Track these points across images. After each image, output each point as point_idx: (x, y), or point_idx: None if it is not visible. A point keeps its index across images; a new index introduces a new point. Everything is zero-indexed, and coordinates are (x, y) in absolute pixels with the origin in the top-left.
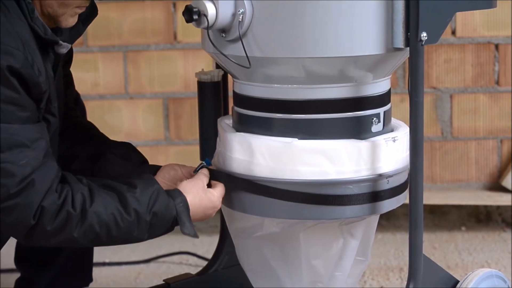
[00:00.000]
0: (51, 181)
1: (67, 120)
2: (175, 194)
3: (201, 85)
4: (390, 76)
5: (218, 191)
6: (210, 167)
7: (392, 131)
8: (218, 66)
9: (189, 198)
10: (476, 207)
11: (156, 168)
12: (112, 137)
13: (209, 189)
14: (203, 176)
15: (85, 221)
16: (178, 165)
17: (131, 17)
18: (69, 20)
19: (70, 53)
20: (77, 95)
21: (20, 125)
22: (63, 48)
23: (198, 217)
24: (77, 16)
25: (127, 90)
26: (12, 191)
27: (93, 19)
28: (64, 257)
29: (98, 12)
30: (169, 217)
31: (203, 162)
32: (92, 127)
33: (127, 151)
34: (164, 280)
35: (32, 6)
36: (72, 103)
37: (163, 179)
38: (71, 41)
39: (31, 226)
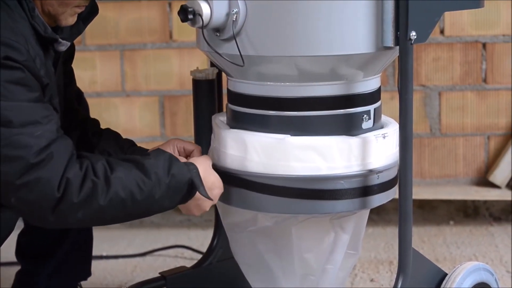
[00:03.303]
0: (70, 153)
1: (67, 115)
2: (188, 162)
3: (196, 83)
4: (380, 74)
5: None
6: None
7: (382, 127)
8: (212, 65)
9: (200, 168)
10: (464, 202)
11: (145, 150)
12: None
13: None
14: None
15: (110, 188)
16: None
17: (127, 17)
18: (69, 19)
19: (71, 50)
20: (80, 93)
21: (31, 103)
22: (63, 46)
23: (207, 188)
24: (76, 15)
25: (124, 88)
26: (31, 161)
27: (93, 18)
28: (64, 251)
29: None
30: (186, 179)
31: None
32: (86, 123)
33: (111, 147)
34: (160, 273)
35: (33, 5)
36: (73, 99)
37: None
38: (71, 39)
39: (56, 199)
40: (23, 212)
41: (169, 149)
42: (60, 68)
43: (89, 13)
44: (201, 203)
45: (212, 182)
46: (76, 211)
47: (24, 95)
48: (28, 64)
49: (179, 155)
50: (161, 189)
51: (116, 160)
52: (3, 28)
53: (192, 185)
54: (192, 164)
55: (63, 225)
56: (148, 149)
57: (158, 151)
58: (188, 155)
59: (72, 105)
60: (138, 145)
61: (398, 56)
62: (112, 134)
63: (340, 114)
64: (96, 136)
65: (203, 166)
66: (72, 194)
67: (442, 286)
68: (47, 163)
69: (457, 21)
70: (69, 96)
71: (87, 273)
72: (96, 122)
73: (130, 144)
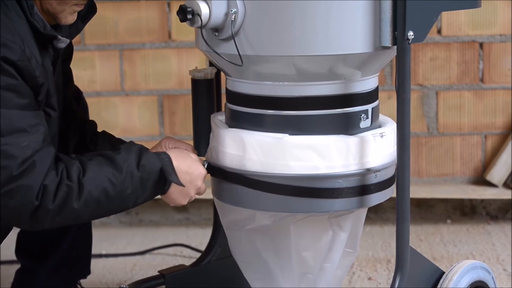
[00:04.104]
0: (50, 162)
1: (66, 115)
2: (159, 152)
3: (195, 82)
4: (378, 74)
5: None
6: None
7: (380, 127)
8: (211, 64)
9: (172, 156)
10: (461, 201)
11: None
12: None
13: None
14: (191, 152)
15: (83, 190)
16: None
17: (126, 17)
18: (68, 18)
19: (70, 50)
20: (79, 93)
21: (19, 111)
22: (62, 43)
23: (183, 173)
24: (76, 13)
25: (123, 87)
26: (14, 173)
27: (92, 16)
28: (63, 250)
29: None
30: (157, 168)
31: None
32: (85, 125)
33: (105, 147)
34: (159, 271)
35: (32, 3)
36: (71, 98)
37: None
38: (70, 38)
39: (35, 207)
40: (2, 217)
41: (161, 149)
42: (59, 67)
43: (88, 12)
44: (183, 190)
45: (189, 165)
46: (52, 216)
47: (14, 102)
48: (22, 64)
49: None
50: (133, 182)
51: (88, 158)
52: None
53: (164, 173)
54: (164, 153)
55: (39, 229)
56: None
57: (129, 144)
58: None
59: (70, 105)
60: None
61: (396, 56)
62: (107, 138)
63: (338, 114)
64: (93, 142)
65: (177, 153)
66: (48, 201)
67: (439, 284)
68: (29, 172)
69: (454, 21)
70: (67, 95)
71: (86, 272)
72: (93, 126)
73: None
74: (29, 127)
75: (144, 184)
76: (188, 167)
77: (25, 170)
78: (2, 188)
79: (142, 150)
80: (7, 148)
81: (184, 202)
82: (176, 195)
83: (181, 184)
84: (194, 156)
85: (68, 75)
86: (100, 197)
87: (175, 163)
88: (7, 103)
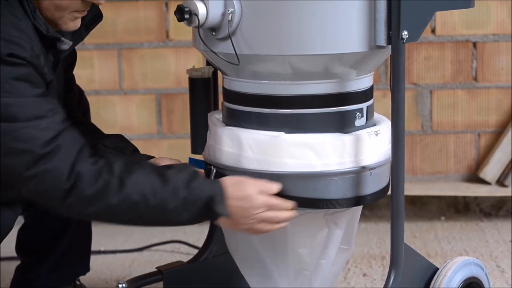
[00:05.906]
0: (79, 145)
1: None
2: (214, 180)
3: (192, 81)
4: (372, 73)
5: (283, 203)
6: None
7: (374, 125)
8: (208, 63)
9: (227, 186)
10: (455, 198)
11: (147, 157)
12: (107, 131)
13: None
14: (264, 181)
15: (123, 188)
16: (170, 159)
17: (125, 16)
18: (69, 24)
19: (73, 57)
20: (81, 93)
21: (35, 98)
22: (65, 44)
23: (235, 201)
24: (78, 20)
25: (121, 86)
26: (38, 153)
27: (96, 24)
28: (63, 247)
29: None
30: (205, 194)
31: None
32: (88, 123)
33: (118, 142)
34: (157, 268)
35: (34, 6)
36: (73, 105)
37: None
38: (73, 44)
39: (65, 190)
40: (36, 202)
41: None
42: (59, 73)
43: (92, 19)
44: (237, 222)
45: (245, 194)
46: (86, 206)
47: (29, 91)
48: (33, 60)
49: None
50: (175, 200)
51: (137, 163)
52: (7, 25)
53: (211, 202)
54: (218, 181)
55: (72, 215)
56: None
57: (183, 165)
58: None
59: (71, 112)
60: (135, 141)
61: (390, 55)
62: (116, 141)
63: (334, 112)
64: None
65: (235, 181)
66: (84, 189)
67: (433, 280)
68: (54, 155)
69: (448, 21)
70: (69, 102)
71: (85, 268)
72: (94, 132)
73: (131, 150)
74: (47, 112)
75: (188, 207)
76: (242, 208)
77: (50, 153)
78: (26, 172)
79: (196, 173)
80: (26, 131)
81: (245, 231)
82: (229, 225)
83: (228, 216)
84: (256, 183)
85: (70, 82)
86: (139, 202)
87: (231, 191)
88: (21, 92)
